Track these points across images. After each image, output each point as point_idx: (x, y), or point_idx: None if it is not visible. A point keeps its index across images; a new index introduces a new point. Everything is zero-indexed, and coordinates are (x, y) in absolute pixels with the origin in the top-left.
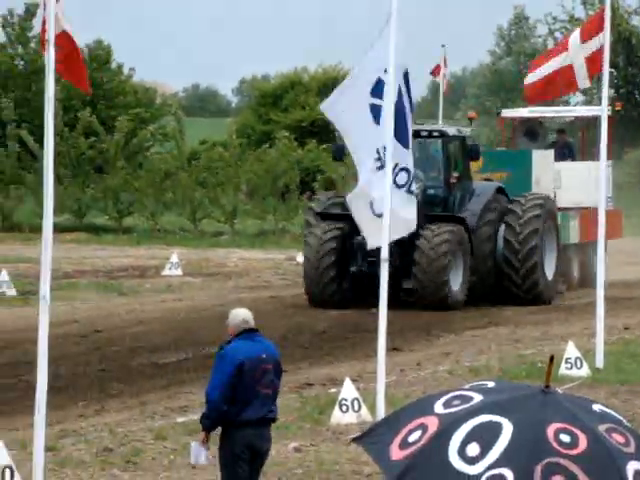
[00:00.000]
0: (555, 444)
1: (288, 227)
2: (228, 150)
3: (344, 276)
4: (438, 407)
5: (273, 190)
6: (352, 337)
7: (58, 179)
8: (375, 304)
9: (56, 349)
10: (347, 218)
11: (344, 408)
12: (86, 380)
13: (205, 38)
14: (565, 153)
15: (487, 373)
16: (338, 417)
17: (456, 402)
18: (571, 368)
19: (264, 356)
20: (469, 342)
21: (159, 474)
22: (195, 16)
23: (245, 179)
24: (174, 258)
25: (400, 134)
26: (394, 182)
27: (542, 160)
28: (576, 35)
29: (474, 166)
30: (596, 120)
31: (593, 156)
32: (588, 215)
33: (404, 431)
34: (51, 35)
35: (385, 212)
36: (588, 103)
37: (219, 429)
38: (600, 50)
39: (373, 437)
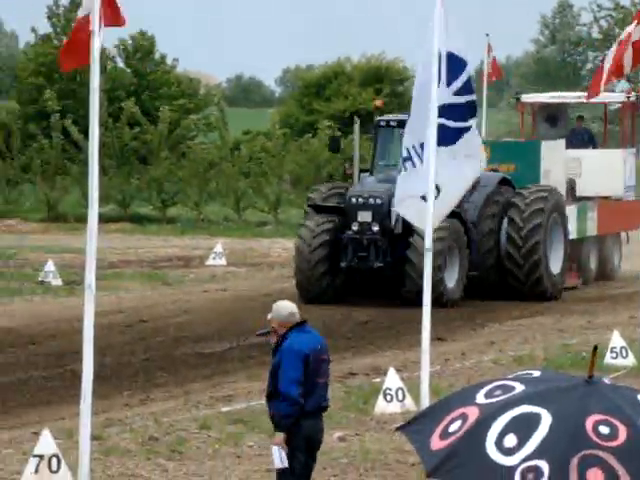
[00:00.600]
0: (594, 436)
1: None
2: (271, 140)
3: (337, 271)
4: (480, 397)
5: (316, 180)
6: (396, 327)
7: (103, 170)
8: (364, 301)
9: (101, 339)
10: (341, 211)
11: (388, 397)
12: (131, 369)
13: (249, 28)
14: (585, 139)
15: (531, 362)
16: (382, 406)
17: (497, 392)
18: (616, 357)
19: (319, 347)
20: (514, 331)
21: (204, 463)
22: (239, 6)
23: (288, 169)
24: (218, 248)
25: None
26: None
27: (551, 151)
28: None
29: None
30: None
31: (617, 143)
32: (607, 206)
33: (445, 421)
34: (95, 26)
35: (429, 195)
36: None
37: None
38: None
39: (416, 426)
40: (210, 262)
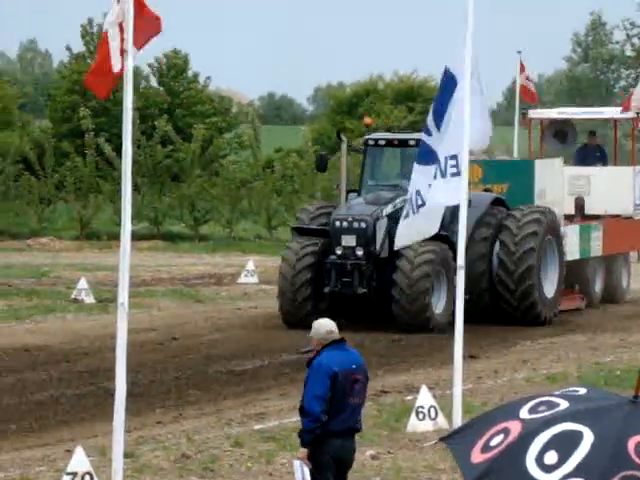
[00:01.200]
0: (635, 457)
1: None
2: (304, 158)
3: (322, 295)
4: (523, 412)
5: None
6: (428, 344)
7: (135, 188)
8: (350, 325)
9: (134, 356)
10: (326, 233)
11: (421, 415)
12: (164, 387)
13: (280, 47)
14: (596, 156)
15: (564, 381)
16: (415, 424)
17: (542, 408)
18: None
19: (354, 366)
20: (546, 349)
21: None
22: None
23: (320, 186)
24: (250, 266)
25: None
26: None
27: (547, 169)
28: None
29: (474, 176)
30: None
31: (626, 160)
32: (615, 225)
33: (487, 434)
34: (129, 45)
35: (462, 213)
36: None
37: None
38: None
39: (458, 438)
40: (242, 280)
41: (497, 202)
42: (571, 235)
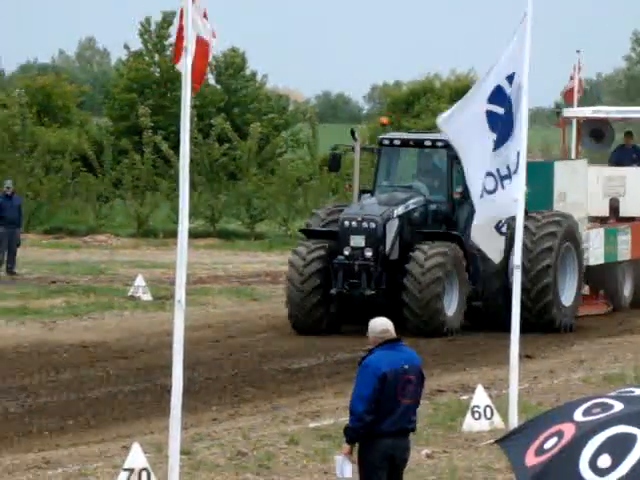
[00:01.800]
0: None
1: None
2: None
3: (331, 299)
4: (578, 414)
5: None
6: (483, 344)
7: (192, 185)
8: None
9: (190, 354)
10: (331, 235)
11: (476, 415)
12: (219, 384)
13: (337, 45)
14: (632, 158)
15: (622, 382)
16: (470, 424)
17: (596, 410)
18: None
19: (406, 367)
20: (603, 350)
21: (292, 479)
22: (327, 24)
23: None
24: None
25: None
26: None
27: (568, 172)
28: None
29: None
30: None
31: None
32: None
33: (542, 437)
34: (189, 43)
35: (519, 214)
36: None
37: None
38: None
39: (513, 440)
40: None
41: None
42: (595, 239)
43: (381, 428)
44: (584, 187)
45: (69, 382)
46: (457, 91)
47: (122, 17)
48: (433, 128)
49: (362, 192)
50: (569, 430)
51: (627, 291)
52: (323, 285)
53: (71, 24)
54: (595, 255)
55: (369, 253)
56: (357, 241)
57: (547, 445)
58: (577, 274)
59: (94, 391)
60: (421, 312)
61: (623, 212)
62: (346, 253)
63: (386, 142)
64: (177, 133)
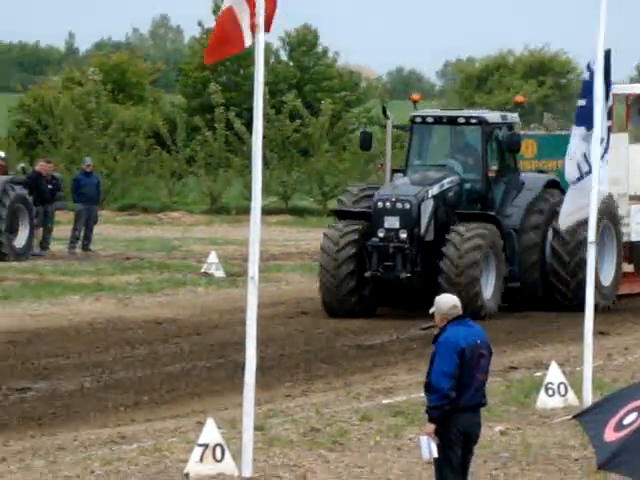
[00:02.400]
0: None
1: None
2: None
3: (365, 282)
4: None
5: None
6: (557, 320)
7: (265, 162)
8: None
9: (263, 330)
10: (366, 216)
11: (550, 392)
12: (292, 361)
13: (409, 22)
14: None
15: None
16: (544, 401)
17: None
18: None
19: (479, 342)
20: None
21: (365, 455)
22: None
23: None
24: None
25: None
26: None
27: None
28: None
29: (528, 153)
30: None
31: None
32: None
33: (621, 413)
34: (260, 20)
35: (593, 192)
36: None
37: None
38: None
39: (591, 416)
40: None
41: (551, 184)
42: (637, 215)
43: (460, 404)
44: (625, 163)
45: (144, 358)
46: (531, 66)
47: None
48: (506, 104)
49: (394, 171)
50: None
51: None
52: (357, 270)
53: (145, 2)
54: (637, 231)
55: (404, 235)
56: (391, 222)
57: (627, 420)
58: (616, 254)
59: (168, 367)
60: (458, 296)
61: None
62: (380, 235)
63: (418, 120)
64: (249, 110)
